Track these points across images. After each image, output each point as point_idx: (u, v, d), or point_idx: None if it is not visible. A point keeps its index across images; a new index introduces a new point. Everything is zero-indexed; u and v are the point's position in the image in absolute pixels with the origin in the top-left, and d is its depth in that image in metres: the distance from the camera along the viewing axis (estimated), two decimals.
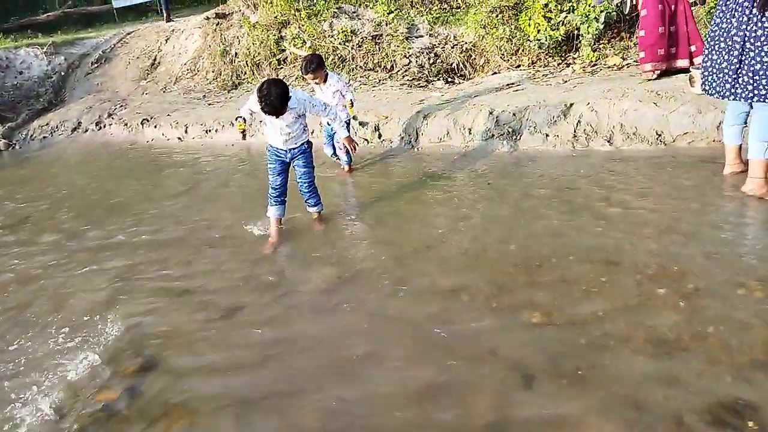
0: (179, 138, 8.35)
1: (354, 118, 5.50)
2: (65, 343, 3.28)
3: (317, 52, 9.19)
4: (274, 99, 3.59)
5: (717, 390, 2.24)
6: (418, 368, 2.64)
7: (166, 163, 7.29)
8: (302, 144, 4.10)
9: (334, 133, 5.33)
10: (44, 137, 10.15)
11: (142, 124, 9.22)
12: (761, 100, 3.34)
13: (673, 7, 5.10)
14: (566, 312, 2.87)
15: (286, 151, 4.07)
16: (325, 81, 5.05)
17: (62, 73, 12.25)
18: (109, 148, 8.94)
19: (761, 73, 3.29)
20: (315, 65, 4.95)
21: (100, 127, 9.91)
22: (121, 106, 10.48)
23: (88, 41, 13.34)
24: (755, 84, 3.34)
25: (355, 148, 4.36)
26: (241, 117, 4.06)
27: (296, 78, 9.27)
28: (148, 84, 11.52)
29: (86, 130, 9.99)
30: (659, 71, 5.19)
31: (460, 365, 2.61)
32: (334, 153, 5.58)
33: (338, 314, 3.19)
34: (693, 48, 5.15)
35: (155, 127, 8.85)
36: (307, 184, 4.20)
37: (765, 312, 2.63)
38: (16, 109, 11.21)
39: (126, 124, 9.47)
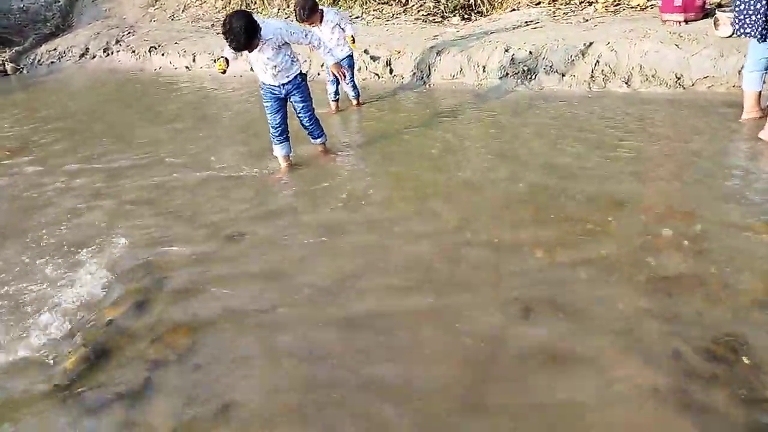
0: (187, 67, 8.22)
1: (365, 52, 5.34)
2: (77, 262, 3.35)
3: None
4: (238, 33, 3.38)
5: (715, 327, 2.26)
6: (415, 294, 2.67)
7: (173, 91, 7.20)
8: (295, 77, 3.91)
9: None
10: (52, 62, 10.04)
11: (149, 51, 9.07)
12: None
13: None
14: (569, 249, 2.87)
15: (279, 86, 3.90)
16: (321, 20, 4.87)
17: None
18: (117, 75, 8.84)
19: None
20: (308, 10, 4.71)
21: (108, 54, 9.77)
22: (129, 32, 10.29)
23: None
24: None
25: (344, 75, 4.13)
26: (223, 57, 3.88)
27: (328, 7, 8.99)
28: (156, 11, 11.25)
29: (94, 57, 9.86)
30: (678, 22, 4.95)
31: (458, 294, 2.64)
32: (337, 92, 5.39)
33: (335, 241, 3.21)
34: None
35: (163, 55, 8.70)
36: (307, 118, 4.09)
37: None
38: (23, 33, 11.04)
39: (134, 51, 9.32)
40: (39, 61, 10.13)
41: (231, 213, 3.70)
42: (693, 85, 4.45)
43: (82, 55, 10.02)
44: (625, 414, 1.95)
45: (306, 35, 3.84)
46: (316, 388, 2.22)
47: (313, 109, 4.12)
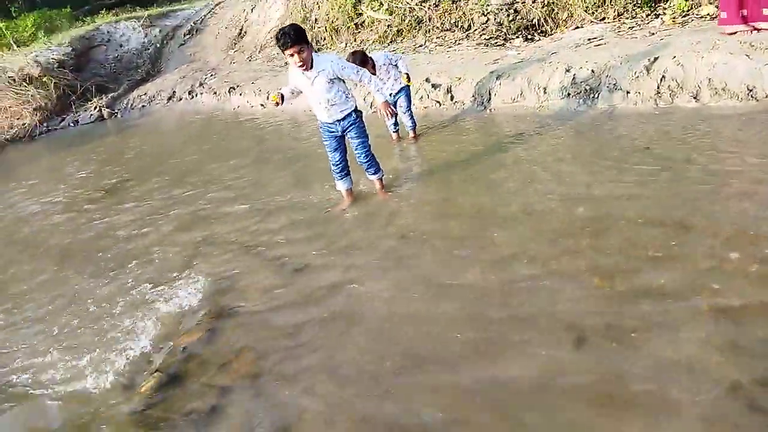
0: (261, 105, 8.70)
1: (427, 80, 5.40)
2: (157, 291, 3.65)
3: (393, 14, 9.18)
4: (288, 29, 3.57)
5: None
6: (471, 325, 2.70)
7: (247, 129, 7.66)
8: (349, 114, 4.00)
9: (396, 101, 5.28)
10: (143, 106, 10.95)
11: (229, 92, 9.69)
12: None
13: None
14: (629, 276, 2.79)
15: (334, 123, 3.99)
16: (374, 68, 4.98)
17: (158, 45, 13.06)
18: (200, 115, 9.51)
19: None
20: (358, 63, 4.64)
21: (192, 96, 10.52)
22: (211, 75, 11.04)
23: (180, 13, 14.06)
24: None
25: (391, 114, 4.15)
26: (279, 92, 4.02)
27: (373, 42, 9.31)
28: (236, 53, 12.01)
29: (180, 99, 10.65)
30: (744, 32, 4.69)
31: (514, 323, 2.64)
32: (395, 124, 5.47)
33: (396, 272, 3.29)
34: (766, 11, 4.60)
35: (240, 94, 9.27)
36: (363, 155, 4.17)
37: None
38: (117, 80, 12.15)
39: (215, 93, 9.99)
40: (131, 105, 11.09)
41: (296, 245, 3.89)
42: (767, 97, 4.20)
43: (169, 98, 10.86)
44: None
45: (357, 72, 3.95)
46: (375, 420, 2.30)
47: (369, 145, 4.20)
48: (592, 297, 2.72)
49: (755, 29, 4.67)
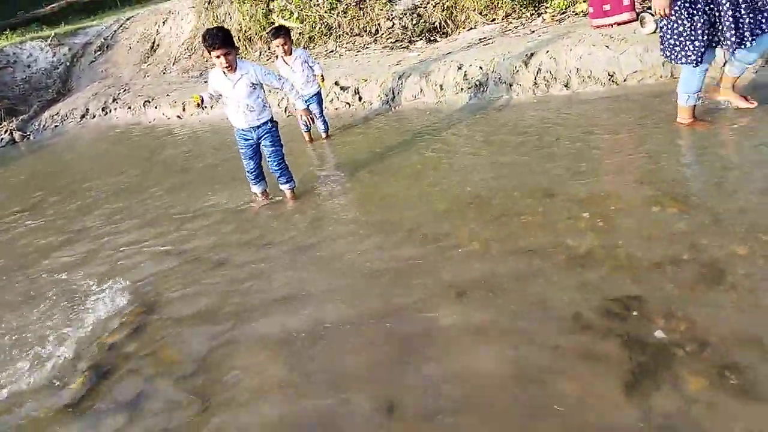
0: (178, 116, 8.79)
1: (336, 84, 5.79)
2: (83, 299, 3.80)
3: (304, 22, 9.50)
4: (217, 30, 3.74)
5: (613, 291, 2.62)
6: (364, 299, 3.07)
7: (165, 141, 7.76)
8: (266, 122, 4.16)
9: (308, 106, 5.60)
10: (55, 126, 10.72)
11: (144, 105, 9.69)
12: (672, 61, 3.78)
13: None
14: (503, 240, 3.26)
15: (250, 130, 4.14)
16: (290, 53, 5.37)
17: (67, 64, 12.76)
18: (115, 131, 9.45)
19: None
20: (276, 33, 5.24)
21: (106, 112, 10.42)
22: (125, 90, 10.96)
23: (90, 30, 13.77)
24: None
25: (312, 120, 4.47)
26: (200, 94, 4.10)
27: (295, 47, 9.58)
28: (149, 67, 11.95)
29: (93, 116, 10.52)
30: (607, 25, 5.35)
31: (402, 288, 3.04)
32: (307, 125, 5.77)
33: (302, 258, 3.64)
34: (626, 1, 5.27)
35: (155, 107, 9.31)
36: (276, 163, 4.30)
37: (672, 223, 2.98)
38: (27, 102, 11.81)
39: (129, 107, 9.95)
40: (44, 126, 10.83)
41: (214, 244, 4.15)
42: (625, 80, 4.85)
43: (83, 116, 10.69)
44: (526, 366, 2.32)
45: (279, 79, 4.15)
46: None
47: (283, 155, 4.35)
48: (471, 260, 3.16)
49: (616, 23, 5.34)
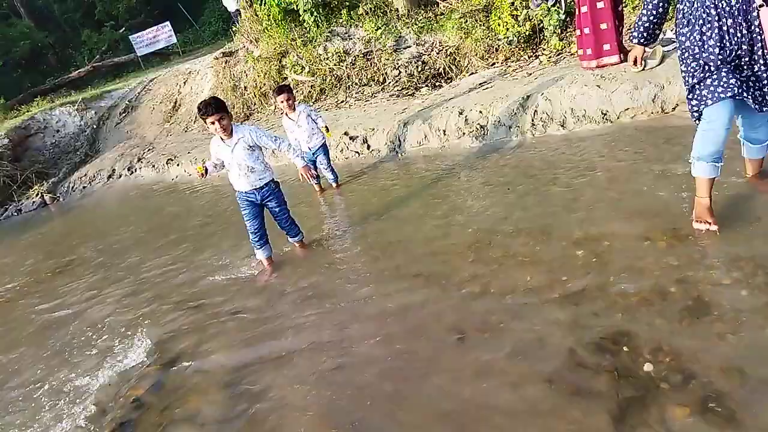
0: (189, 174, 9.17)
1: (345, 134, 6.05)
2: (108, 354, 4.02)
3: (315, 76, 9.93)
4: (209, 99, 3.95)
5: (605, 326, 2.73)
6: (377, 339, 3.22)
7: (186, 198, 8.10)
8: (267, 183, 4.26)
9: (315, 158, 5.88)
10: (84, 187, 11.24)
11: (167, 164, 10.14)
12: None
13: (599, 4, 5.41)
14: (500, 280, 3.39)
15: (253, 192, 4.23)
16: (293, 109, 5.66)
17: (94, 126, 13.44)
18: (140, 189, 9.88)
19: None
20: (280, 90, 5.54)
21: (132, 172, 10.90)
22: (149, 149, 11.48)
23: (114, 93, 14.50)
24: None
25: (311, 177, 4.53)
26: (203, 165, 4.30)
27: (299, 103, 10.00)
28: (172, 126, 12.51)
29: (120, 176, 11.01)
30: (599, 67, 5.55)
31: (405, 332, 3.18)
32: (317, 178, 5.89)
33: (314, 302, 3.81)
34: (606, 47, 5.46)
35: (178, 165, 9.73)
36: (284, 220, 4.45)
37: (661, 258, 3.08)
38: (56, 165, 12.43)
39: (153, 166, 10.41)
40: (73, 187, 11.36)
41: (229, 301, 4.35)
42: (618, 117, 5.02)
43: (109, 176, 11.20)
44: (521, 403, 2.43)
45: (275, 140, 4.25)
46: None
47: (289, 210, 4.47)
48: (471, 301, 3.30)
49: (599, 66, 5.53)
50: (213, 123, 3.99)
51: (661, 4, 3.17)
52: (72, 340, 4.48)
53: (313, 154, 5.83)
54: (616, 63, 5.41)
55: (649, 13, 3.21)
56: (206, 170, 4.26)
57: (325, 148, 5.90)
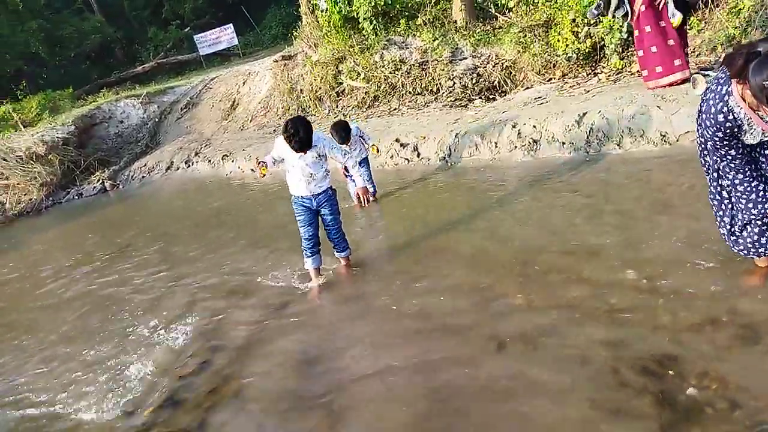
0: (252, 169, 9.43)
1: (396, 140, 6.01)
2: (159, 333, 4.22)
3: (370, 82, 10.09)
4: (303, 134, 3.75)
5: (651, 349, 2.70)
6: (416, 344, 3.27)
7: (239, 193, 8.37)
8: (326, 190, 4.16)
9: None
10: (143, 177, 11.73)
11: (222, 159, 10.48)
12: None
13: (662, 23, 5.33)
14: (546, 295, 3.39)
15: (311, 198, 4.13)
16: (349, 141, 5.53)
17: (156, 120, 14.00)
18: (196, 182, 10.24)
19: None
20: (346, 132, 5.28)
21: (189, 165, 11.30)
22: (206, 145, 11.88)
23: (177, 89, 15.07)
24: None
25: (368, 200, 4.34)
26: (263, 162, 4.16)
27: (352, 108, 10.18)
28: (229, 123, 12.90)
29: (177, 169, 11.44)
30: (662, 86, 5.45)
31: (448, 338, 3.22)
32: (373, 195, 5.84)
33: (351, 304, 3.89)
34: (677, 62, 5.35)
35: (232, 161, 10.04)
36: (335, 231, 4.30)
37: (714, 284, 3.02)
38: (118, 154, 13.03)
39: (210, 161, 10.78)
40: (132, 176, 11.88)
41: (282, 290, 4.48)
42: (678, 140, 4.91)
43: (168, 168, 11.65)
44: (560, 419, 2.43)
45: (344, 154, 4.27)
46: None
47: (341, 222, 4.32)
48: (514, 312, 3.31)
49: (670, 84, 5.43)
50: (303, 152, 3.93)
51: None
52: (125, 317, 4.72)
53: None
54: (687, 78, 5.31)
55: None
56: (267, 167, 4.19)
57: (367, 161, 5.93)
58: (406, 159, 6.94)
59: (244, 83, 13.70)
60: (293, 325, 3.91)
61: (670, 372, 2.53)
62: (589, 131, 5.44)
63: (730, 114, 2.47)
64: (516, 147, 5.93)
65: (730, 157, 2.63)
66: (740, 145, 2.60)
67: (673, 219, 3.83)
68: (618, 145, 5.24)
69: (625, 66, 6.85)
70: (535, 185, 5.10)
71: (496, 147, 6.12)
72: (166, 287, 5.21)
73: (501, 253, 4.07)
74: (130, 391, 3.55)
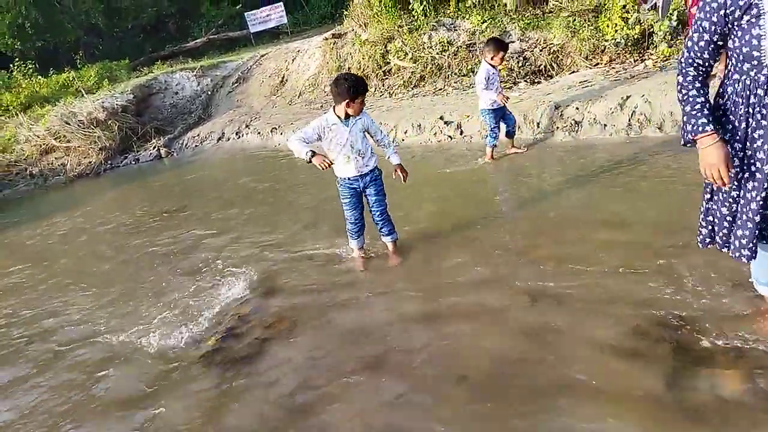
0: (319, 165, 9.82)
1: (441, 118, 6.31)
2: (221, 281, 4.65)
3: (417, 62, 10.32)
4: (360, 78, 3.75)
5: (670, 307, 2.94)
6: (462, 299, 3.59)
7: (286, 164, 8.79)
8: (374, 169, 4.06)
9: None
10: (195, 146, 12.30)
11: (271, 132, 10.92)
12: None
13: None
14: (575, 259, 3.64)
15: (357, 178, 4.02)
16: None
17: (209, 93, 14.56)
18: (245, 152, 10.73)
19: None
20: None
21: (239, 137, 11.80)
22: (256, 118, 12.34)
23: (229, 64, 15.57)
24: None
25: (405, 178, 4.11)
26: (309, 152, 3.76)
27: (398, 87, 10.45)
28: (278, 99, 13.34)
29: (228, 139, 11.95)
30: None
31: (486, 293, 3.53)
32: (495, 135, 5.84)
33: (398, 269, 4.22)
34: None
35: (281, 134, 10.47)
36: (380, 212, 4.17)
37: None
38: (173, 123, 13.64)
39: (259, 133, 11.24)
40: (186, 145, 12.46)
41: (329, 244, 4.85)
42: None
43: (219, 139, 12.18)
44: (590, 365, 2.72)
45: (382, 132, 4.14)
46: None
47: (386, 204, 4.20)
48: (546, 273, 3.58)
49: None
50: (362, 103, 3.82)
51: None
52: (185, 269, 5.17)
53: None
54: None
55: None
56: (313, 154, 3.79)
57: (504, 109, 5.82)
58: (449, 136, 7.20)
59: (293, 60, 14.09)
60: (342, 284, 4.19)
61: (688, 327, 2.77)
62: (631, 114, 5.59)
63: None
64: (558, 127, 6.12)
65: None
66: None
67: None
68: (659, 128, 5.39)
69: (673, 53, 6.90)
70: (575, 164, 5.32)
71: (537, 127, 6.32)
72: (218, 245, 5.61)
73: (537, 222, 4.33)
74: (197, 326, 3.99)
